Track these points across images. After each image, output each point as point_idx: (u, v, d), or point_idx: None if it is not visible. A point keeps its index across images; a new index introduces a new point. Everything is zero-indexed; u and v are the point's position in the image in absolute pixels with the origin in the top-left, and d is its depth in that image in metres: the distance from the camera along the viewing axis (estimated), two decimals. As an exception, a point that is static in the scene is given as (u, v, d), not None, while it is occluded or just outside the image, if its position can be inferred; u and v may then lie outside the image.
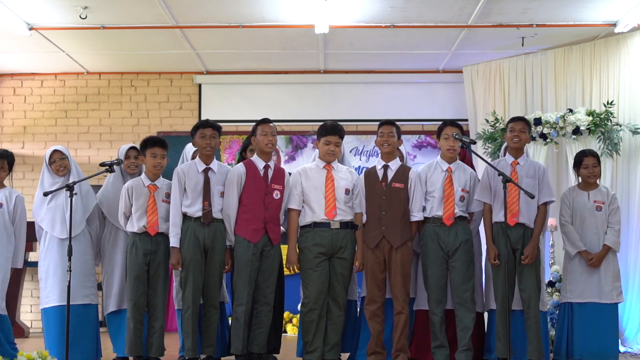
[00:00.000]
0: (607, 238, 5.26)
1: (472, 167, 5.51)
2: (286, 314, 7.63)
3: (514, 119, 5.18)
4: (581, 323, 5.19)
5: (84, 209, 5.31)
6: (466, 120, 8.07)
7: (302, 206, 5.02)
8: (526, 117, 7.12)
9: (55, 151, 5.34)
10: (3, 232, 5.29)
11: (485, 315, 5.29)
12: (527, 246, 4.92)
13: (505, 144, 5.68)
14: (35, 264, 7.92)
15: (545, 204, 5.01)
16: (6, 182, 5.40)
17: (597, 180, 5.43)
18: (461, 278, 4.95)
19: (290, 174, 5.20)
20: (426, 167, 5.20)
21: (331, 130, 5.01)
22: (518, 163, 5.05)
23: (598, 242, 5.27)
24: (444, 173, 5.06)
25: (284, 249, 5.11)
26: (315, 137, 5.20)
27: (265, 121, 5.10)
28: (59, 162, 5.30)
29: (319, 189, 4.99)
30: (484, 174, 5.06)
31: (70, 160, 5.35)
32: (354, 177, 5.10)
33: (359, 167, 8.22)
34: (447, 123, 5.11)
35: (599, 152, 6.61)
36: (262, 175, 5.03)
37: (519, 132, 5.06)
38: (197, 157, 5.14)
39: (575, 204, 5.32)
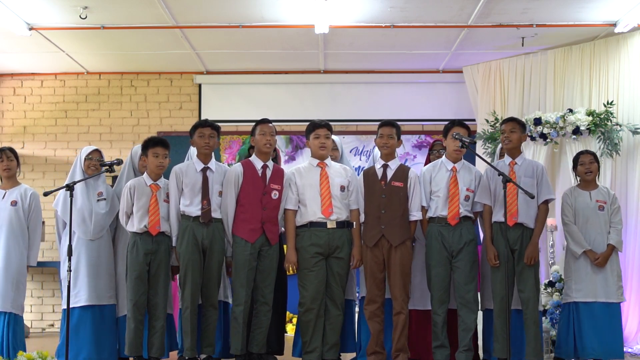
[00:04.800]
0: (611, 237, 5.28)
1: None
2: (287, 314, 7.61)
3: (504, 121, 5.20)
4: (588, 322, 5.20)
5: (111, 212, 5.33)
6: (469, 120, 8.05)
7: (298, 206, 5.02)
8: (526, 117, 7.14)
9: (96, 151, 5.37)
10: (18, 230, 5.35)
11: (480, 314, 5.28)
12: (527, 246, 4.91)
13: (499, 146, 5.69)
14: (37, 264, 7.96)
15: (546, 202, 5.01)
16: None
17: (597, 181, 5.43)
18: (464, 278, 4.94)
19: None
20: (431, 166, 5.19)
21: (318, 125, 5.04)
22: (516, 163, 5.05)
23: (602, 241, 5.28)
24: (448, 172, 5.06)
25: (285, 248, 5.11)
26: None
27: (264, 121, 5.10)
28: (95, 161, 5.32)
29: (314, 187, 4.98)
30: (484, 175, 5.07)
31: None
32: (348, 173, 5.10)
33: (359, 167, 8.22)
34: (455, 123, 5.12)
35: (598, 152, 6.62)
36: (260, 175, 5.03)
37: (509, 132, 5.05)
38: (195, 156, 5.14)
39: (577, 204, 5.32)
